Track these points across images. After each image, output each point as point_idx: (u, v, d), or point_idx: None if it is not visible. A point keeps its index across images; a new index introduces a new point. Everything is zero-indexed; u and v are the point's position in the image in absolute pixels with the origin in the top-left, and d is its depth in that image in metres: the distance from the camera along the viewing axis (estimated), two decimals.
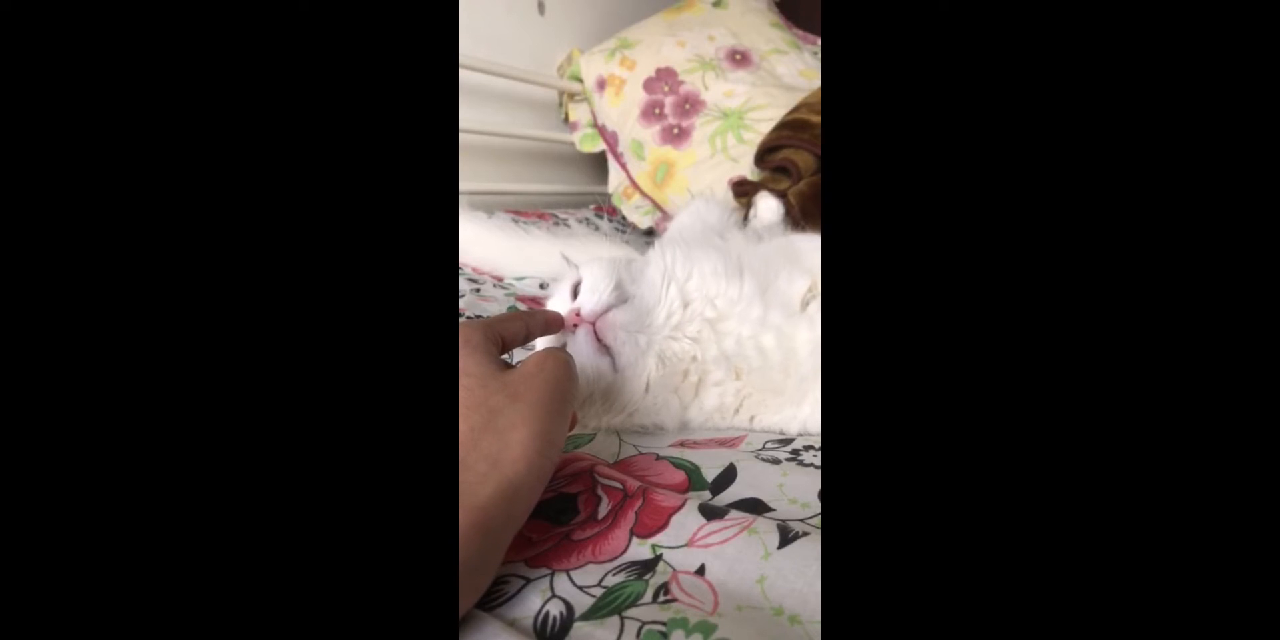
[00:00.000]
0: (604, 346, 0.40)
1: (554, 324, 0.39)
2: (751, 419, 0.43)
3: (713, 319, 0.43)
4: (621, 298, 0.42)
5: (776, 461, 0.34)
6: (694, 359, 0.42)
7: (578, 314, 0.40)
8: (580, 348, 0.40)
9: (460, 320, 0.33)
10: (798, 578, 0.24)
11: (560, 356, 0.31)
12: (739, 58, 1.08)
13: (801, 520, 0.28)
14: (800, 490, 0.31)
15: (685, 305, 0.43)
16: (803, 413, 0.42)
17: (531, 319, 0.36)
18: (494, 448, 0.25)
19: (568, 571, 0.26)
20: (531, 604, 0.24)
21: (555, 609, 0.24)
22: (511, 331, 0.33)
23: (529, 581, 0.26)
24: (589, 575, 0.26)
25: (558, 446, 0.28)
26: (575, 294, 0.43)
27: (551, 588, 0.25)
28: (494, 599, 0.25)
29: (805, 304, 0.44)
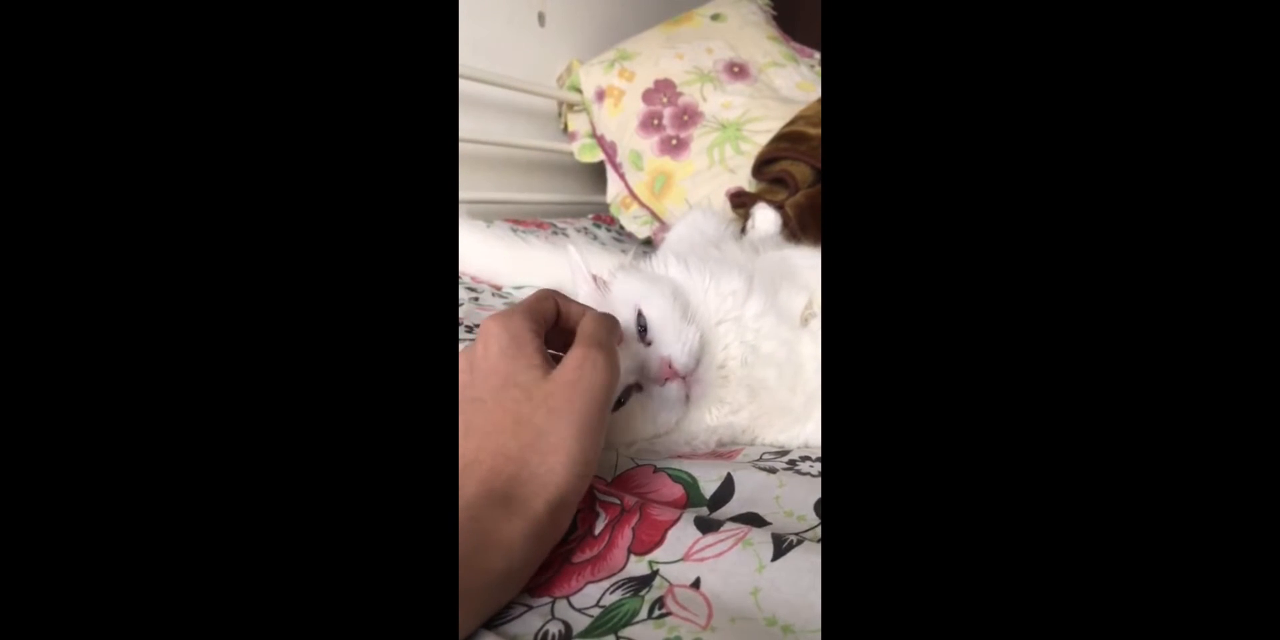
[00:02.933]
0: (689, 397, 0.39)
1: (608, 326, 0.35)
2: (754, 440, 0.43)
3: (752, 342, 0.42)
4: (703, 345, 0.40)
5: (773, 471, 0.34)
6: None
7: (670, 367, 0.38)
8: (668, 399, 0.39)
9: (503, 311, 0.32)
10: (790, 589, 0.24)
11: (600, 360, 0.30)
12: (737, 70, 1.09)
13: (796, 534, 0.29)
14: (796, 502, 0.31)
15: (739, 339, 0.42)
16: (806, 430, 0.41)
17: (565, 303, 0.35)
18: (542, 467, 0.27)
19: (568, 597, 0.27)
20: (532, 625, 0.25)
21: (554, 628, 0.25)
22: (570, 312, 0.34)
23: (531, 608, 0.27)
24: (587, 597, 0.27)
25: (595, 460, 0.30)
26: (640, 329, 0.40)
27: (552, 612, 0.26)
28: (498, 620, 0.26)
29: (806, 320, 0.44)
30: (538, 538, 0.26)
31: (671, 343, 0.39)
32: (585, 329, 0.32)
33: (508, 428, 0.28)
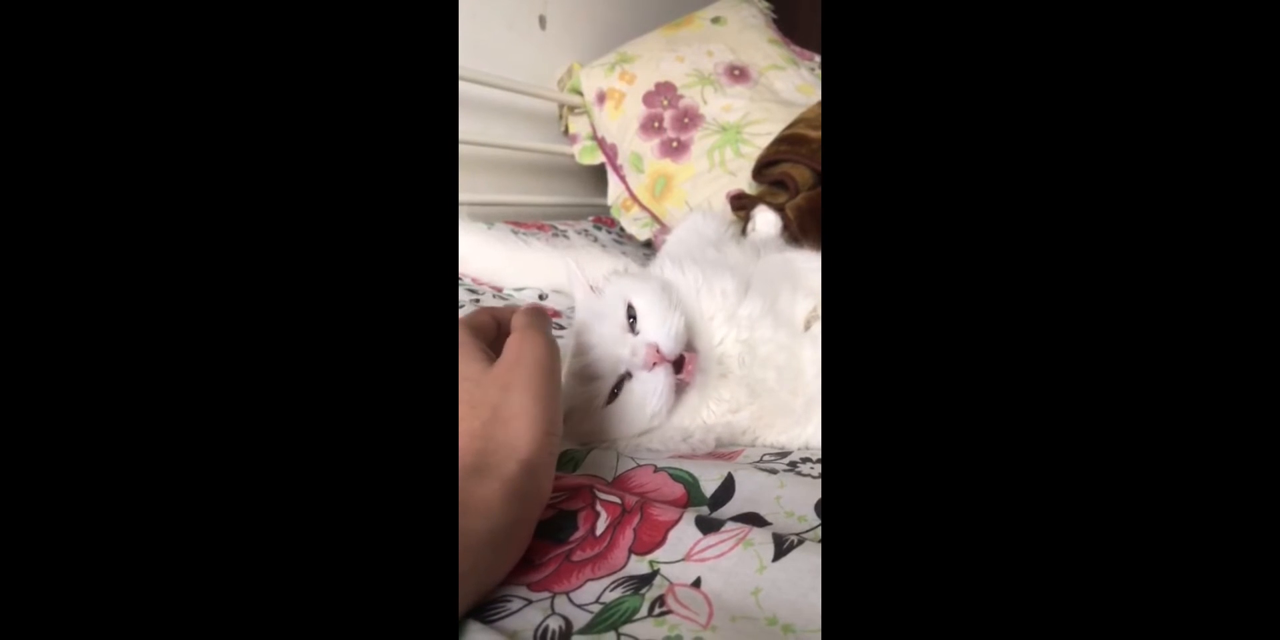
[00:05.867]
0: (683, 384, 0.39)
1: (536, 313, 0.36)
2: (754, 441, 0.43)
3: (748, 341, 0.42)
4: (690, 331, 0.40)
5: (774, 472, 0.35)
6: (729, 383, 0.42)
7: (657, 351, 0.38)
8: (657, 386, 0.39)
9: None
10: (791, 588, 0.25)
11: (535, 337, 0.32)
12: (737, 73, 1.10)
13: (797, 534, 0.29)
14: (797, 503, 0.31)
15: (734, 338, 0.42)
16: (807, 432, 0.42)
17: (499, 313, 0.37)
18: (508, 435, 0.29)
19: (568, 593, 0.27)
20: (532, 619, 0.25)
21: (554, 624, 0.25)
22: (506, 320, 0.35)
23: (531, 602, 0.27)
24: (587, 593, 0.27)
25: (559, 423, 0.31)
26: (630, 320, 0.41)
27: (552, 607, 0.26)
28: (497, 614, 0.26)
29: (808, 324, 0.44)
30: (517, 496, 0.27)
31: (656, 328, 0.40)
32: (516, 320, 0.35)
33: (466, 413, 0.30)
